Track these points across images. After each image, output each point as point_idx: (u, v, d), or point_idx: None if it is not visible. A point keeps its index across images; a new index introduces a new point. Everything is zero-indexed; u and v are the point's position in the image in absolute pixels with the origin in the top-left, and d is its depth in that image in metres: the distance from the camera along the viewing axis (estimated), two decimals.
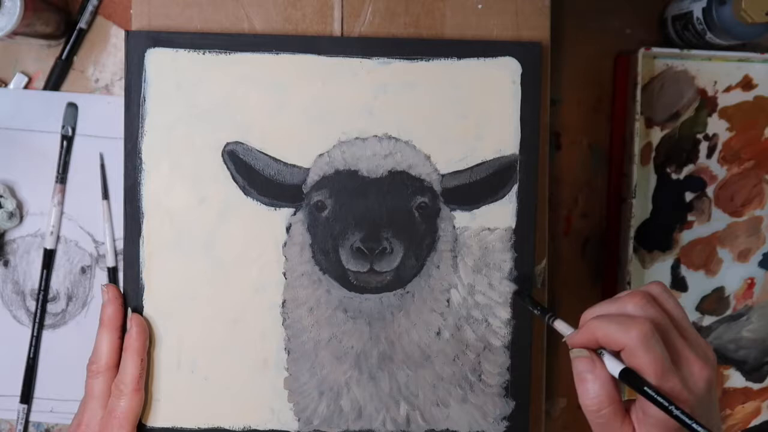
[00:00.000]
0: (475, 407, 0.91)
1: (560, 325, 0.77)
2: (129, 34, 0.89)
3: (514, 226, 0.90)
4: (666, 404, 0.65)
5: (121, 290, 0.91)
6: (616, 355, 0.69)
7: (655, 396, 0.65)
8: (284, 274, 0.90)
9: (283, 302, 0.90)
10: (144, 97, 0.89)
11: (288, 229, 0.90)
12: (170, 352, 0.90)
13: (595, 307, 0.73)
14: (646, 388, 0.66)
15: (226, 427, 0.91)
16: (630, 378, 0.67)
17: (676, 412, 0.64)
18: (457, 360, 0.91)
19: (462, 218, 0.90)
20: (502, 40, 0.92)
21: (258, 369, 0.91)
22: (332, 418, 0.91)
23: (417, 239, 0.89)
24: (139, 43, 0.89)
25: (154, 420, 0.91)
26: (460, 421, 0.91)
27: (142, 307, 0.90)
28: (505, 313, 0.91)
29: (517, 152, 0.90)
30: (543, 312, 0.82)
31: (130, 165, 0.89)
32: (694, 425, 0.64)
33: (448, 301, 0.90)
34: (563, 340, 0.74)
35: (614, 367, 0.69)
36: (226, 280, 0.90)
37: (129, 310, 0.89)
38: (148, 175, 0.89)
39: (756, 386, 1.06)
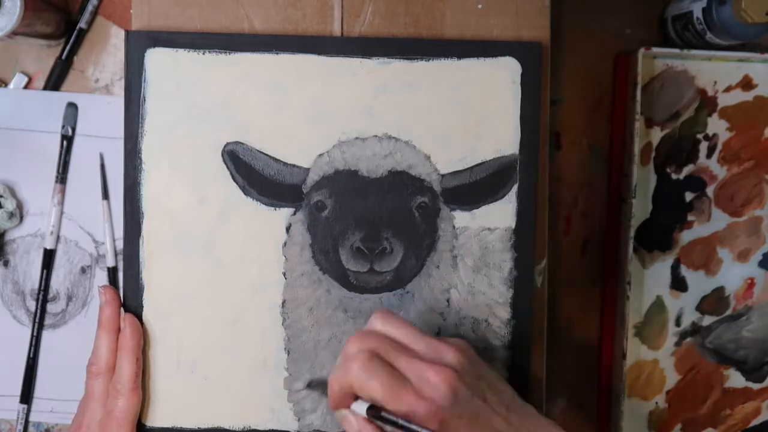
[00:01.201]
0: None
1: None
2: (129, 34, 0.89)
3: (514, 226, 0.90)
4: (399, 422, 0.67)
5: (121, 290, 0.91)
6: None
7: (390, 418, 0.67)
8: (284, 274, 0.90)
9: (283, 302, 0.90)
10: (144, 97, 0.89)
11: (288, 229, 0.90)
12: (170, 352, 0.90)
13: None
14: (383, 414, 0.68)
15: (226, 427, 0.91)
16: (373, 412, 0.69)
17: (401, 422, 0.66)
18: None
19: (462, 218, 0.90)
20: (502, 40, 0.92)
21: (258, 369, 0.91)
22: (332, 419, 0.91)
23: (417, 239, 0.89)
24: (139, 43, 0.89)
25: (154, 420, 0.91)
26: None
27: (142, 307, 0.90)
28: (506, 313, 0.91)
29: (517, 152, 0.90)
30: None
31: (130, 165, 0.89)
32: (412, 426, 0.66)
33: (448, 301, 0.90)
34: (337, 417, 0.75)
35: (362, 409, 0.70)
36: (226, 280, 0.90)
37: (122, 310, 0.89)
38: (148, 175, 0.89)
39: (756, 386, 1.06)
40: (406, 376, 0.69)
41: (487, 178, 0.90)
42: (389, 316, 0.74)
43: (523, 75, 0.90)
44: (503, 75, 0.90)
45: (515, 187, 0.90)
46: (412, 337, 0.73)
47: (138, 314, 0.90)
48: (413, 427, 0.66)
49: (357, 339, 0.72)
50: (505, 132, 0.90)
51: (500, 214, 0.90)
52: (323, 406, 0.91)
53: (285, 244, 0.90)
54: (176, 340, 0.90)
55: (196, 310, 0.90)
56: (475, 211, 0.90)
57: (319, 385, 0.86)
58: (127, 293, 0.90)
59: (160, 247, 0.90)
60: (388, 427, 0.69)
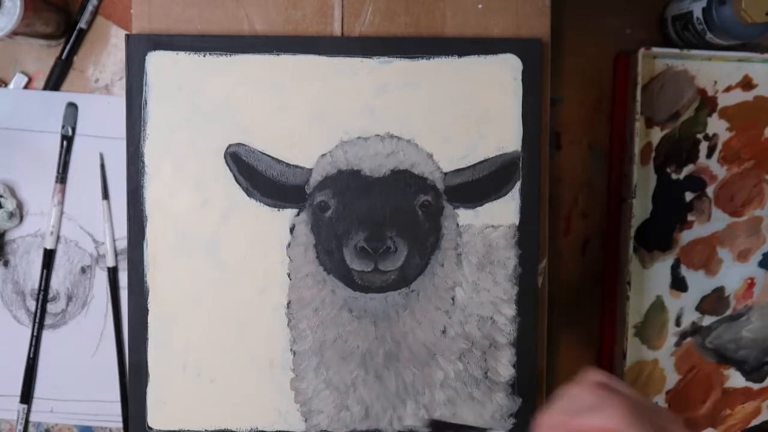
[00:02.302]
0: (482, 405, 0.91)
1: None
2: (129, 38, 0.89)
3: (517, 222, 0.91)
4: None
5: (125, 293, 0.91)
6: None
7: None
8: (288, 275, 0.90)
9: (288, 303, 0.90)
10: (145, 100, 0.89)
11: (291, 229, 0.90)
12: (176, 355, 0.91)
13: (551, 410, 0.70)
14: None
15: (233, 429, 0.91)
16: None
17: None
18: (462, 358, 0.91)
19: (465, 216, 0.90)
20: (503, 38, 0.92)
21: (264, 370, 0.91)
22: (339, 418, 0.91)
23: (421, 238, 0.89)
24: (139, 47, 0.89)
25: (161, 423, 0.91)
26: (467, 418, 0.91)
27: (147, 310, 0.90)
28: (511, 311, 0.91)
29: (519, 149, 0.90)
30: None
31: (132, 168, 0.89)
32: None
33: (453, 299, 0.90)
34: None
35: None
36: (231, 282, 0.90)
37: None
38: (151, 179, 0.89)
39: (756, 386, 1.06)
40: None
41: (489, 176, 0.90)
42: (614, 378, 0.72)
43: (524, 72, 0.90)
44: (504, 72, 0.90)
45: (518, 184, 0.90)
46: (646, 400, 0.70)
47: (143, 317, 0.90)
48: None
49: (592, 388, 0.69)
50: (507, 129, 0.90)
51: (504, 211, 0.90)
52: (329, 406, 0.91)
53: (289, 244, 0.90)
54: (182, 342, 0.90)
55: (201, 313, 0.90)
56: (478, 208, 0.90)
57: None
58: (132, 296, 0.90)
59: (164, 250, 0.90)
60: None
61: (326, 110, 0.90)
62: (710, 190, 1.01)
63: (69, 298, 0.99)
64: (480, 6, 0.92)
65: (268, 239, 0.90)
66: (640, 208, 1.00)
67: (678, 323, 1.03)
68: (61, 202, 0.97)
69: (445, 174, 0.90)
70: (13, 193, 0.97)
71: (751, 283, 1.04)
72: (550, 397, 0.92)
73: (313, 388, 0.91)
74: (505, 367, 0.91)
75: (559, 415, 0.68)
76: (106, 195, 0.98)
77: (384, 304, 0.90)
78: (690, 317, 1.03)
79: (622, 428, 0.63)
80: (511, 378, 0.91)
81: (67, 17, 0.97)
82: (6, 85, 0.98)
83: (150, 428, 0.90)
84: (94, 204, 0.98)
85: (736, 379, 1.06)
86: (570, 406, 0.68)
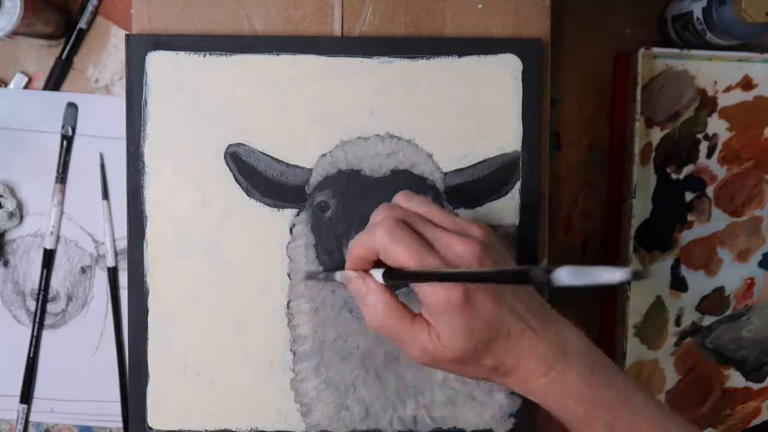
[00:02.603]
0: (482, 405, 0.91)
1: (339, 275, 0.76)
2: (129, 38, 0.89)
3: (517, 222, 0.90)
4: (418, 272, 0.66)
5: (125, 293, 0.91)
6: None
7: (408, 271, 0.67)
8: (288, 274, 0.90)
9: (288, 303, 0.90)
10: (145, 101, 0.89)
11: (291, 229, 0.90)
12: (176, 355, 0.90)
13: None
14: (398, 272, 0.68)
15: (233, 429, 0.91)
16: (393, 275, 0.68)
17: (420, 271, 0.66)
18: None
19: (465, 216, 0.90)
20: (503, 38, 0.92)
21: (264, 370, 0.91)
22: (339, 418, 0.91)
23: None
24: (139, 47, 0.89)
25: (161, 423, 0.91)
26: (467, 418, 0.91)
27: (147, 310, 0.90)
28: None
29: (520, 149, 0.90)
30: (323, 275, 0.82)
31: (132, 168, 0.89)
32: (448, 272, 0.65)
33: None
34: (339, 279, 0.75)
35: (379, 276, 0.69)
36: (231, 282, 0.90)
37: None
38: (151, 179, 0.89)
39: (756, 386, 1.06)
40: (432, 244, 0.68)
41: (489, 176, 0.90)
42: (413, 195, 0.74)
43: (524, 72, 0.90)
44: (504, 72, 0.90)
45: (518, 184, 0.90)
46: (437, 213, 0.72)
47: (143, 317, 0.90)
48: (426, 272, 0.66)
49: (382, 209, 0.72)
50: (507, 129, 0.90)
51: (504, 212, 0.90)
52: (330, 406, 0.91)
53: (289, 244, 0.90)
54: (182, 342, 0.90)
55: (201, 313, 0.90)
56: (478, 208, 0.90)
57: (320, 275, 0.85)
58: (132, 296, 0.90)
59: (164, 250, 0.90)
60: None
61: (326, 110, 0.90)
62: (710, 190, 1.01)
63: (69, 298, 0.99)
64: (480, 6, 0.92)
65: (268, 239, 0.90)
66: (640, 208, 1.00)
67: (678, 323, 1.03)
68: (61, 202, 0.97)
69: (445, 174, 0.90)
70: (13, 193, 0.97)
71: (751, 283, 1.04)
72: None
73: (313, 388, 0.91)
74: None
75: (351, 242, 0.73)
76: (106, 195, 0.98)
77: None
78: (690, 317, 1.03)
79: (386, 242, 0.68)
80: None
81: (67, 17, 0.97)
82: (6, 85, 0.98)
83: (150, 428, 0.90)
84: (94, 204, 0.98)
85: (736, 379, 1.06)
86: (360, 233, 0.72)
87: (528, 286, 0.74)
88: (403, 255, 0.67)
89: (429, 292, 0.67)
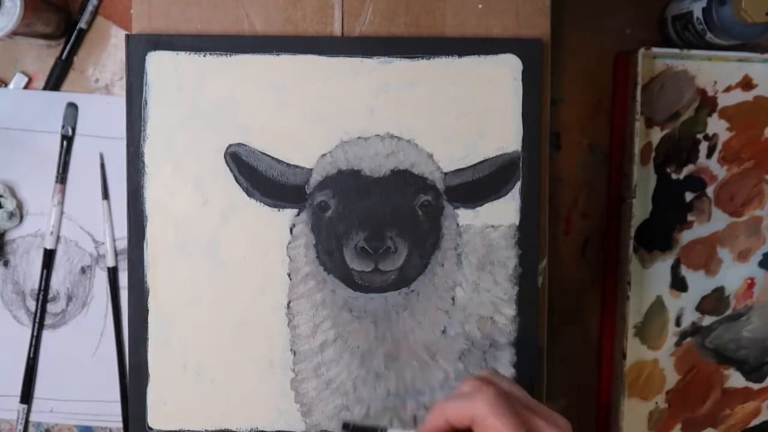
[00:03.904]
0: None
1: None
2: (129, 38, 0.89)
3: (517, 222, 0.91)
4: None
5: (125, 293, 0.91)
6: None
7: None
8: (289, 274, 0.90)
9: (288, 303, 0.90)
10: (145, 101, 0.89)
11: (292, 229, 0.90)
12: (176, 355, 0.91)
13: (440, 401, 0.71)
14: None
15: (233, 429, 0.91)
16: None
17: None
18: (463, 358, 0.91)
19: (465, 216, 0.90)
20: (503, 38, 0.92)
21: (264, 370, 0.91)
22: (339, 419, 0.91)
23: (421, 238, 0.89)
24: (139, 47, 0.89)
25: (161, 423, 0.91)
26: None
27: (147, 310, 0.90)
28: (511, 311, 0.91)
29: (520, 149, 0.90)
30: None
31: (132, 169, 0.89)
32: None
33: (453, 299, 0.90)
34: None
35: None
36: (231, 282, 0.90)
37: None
38: (151, 179, 0.89)
39: (756, 386, 1.06)
40: (526, 427, 0.66)
41: (490, 176, 0.90)
42: (501, 375, 0.72)
43: (524, 72, 0.90)
44: (504, 72, 0.90)
45: (518, 184, 0.90)
46: (526, 395, 0.71)
47: (143, 317, 0.90)
48: None
49: (476, 381, 0.69)
50: (507, 129, 0.90)
51: (504, 211, 0.90)
52: (330, 406, 0.91)
53: (289, 244, 0.90)
54: (182, 342, 0.90)
55: (202, 313, 0.90)
56: (478, 208, 0.90)
57: (356, 429, 0.84)
58: (132, 296, 0.90)
59: (165, 250, 0.90)
60: None
61: (326, 110, 0.90)
62: (710, 190, 1.01)
63: (69, 298, 0.99)
64: (480, 6, 0.92)
65: (268, 239, 0.90)
66: (640, 208, 1.00)
67: (678, 323, 1.03)
68: (61, 202, 0.97)
69: (445, 174, 0.90)
70: (13, 193, 0.97)
71: (751, 283, 1.04)
72: (550, 398, 0.92)
73: (313, 388, 0.91)
74: (505, 367, 0.91)
75: (438, 405, 0.69)
76: (106, 195, 0.98)
77: (384, 304, 0.90)
78: (690, 317, 1.03)
79: (486, 413, 0.65)
80: (511, 378, 0.91)
81: (67, 17, 0.97)
82: (6, 85, 0.98)
83: (150, 428, 0.90)
84: (94, 204, 0.98)
85: (736, 379, 1.06)
86: (449, 397, 0.69)
87: None
88: (503, 429, 0.64)
89: None
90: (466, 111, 0.90)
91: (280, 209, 0.90)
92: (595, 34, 1.01)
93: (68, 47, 0.97)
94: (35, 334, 0.98)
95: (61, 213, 0.98)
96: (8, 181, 0.97)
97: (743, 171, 1.01)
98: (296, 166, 0.89)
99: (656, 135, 1.00)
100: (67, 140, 0.97)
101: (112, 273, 0.98)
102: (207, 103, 0.89)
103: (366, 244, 0.88)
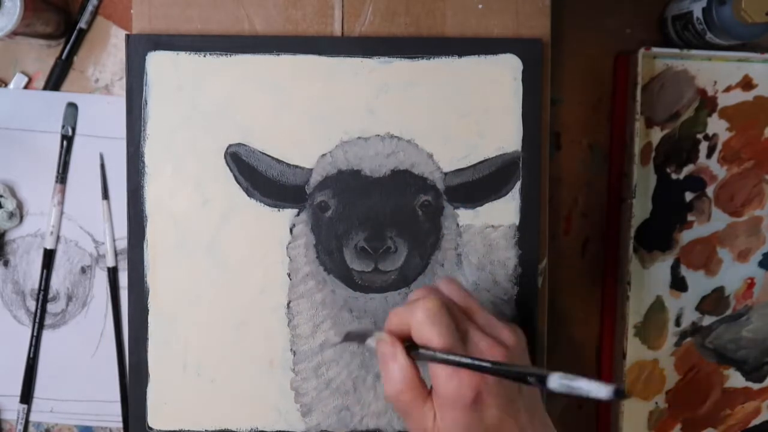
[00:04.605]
0: None
1: (371, 340, 0.75)
2: (129, 38, 0.89)
3: (517, 222, 0.91)
4: (438, 356, 0.67)
5: (125, 292, 0.91)
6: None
7: (430, 354, 0.67)
8: (289, 274, 0.90)
9: (288, 303, 0.90)
10: (145, 100, 0.89)
11: (292, 229, 0.90)
12: (176, 355, 0.91)
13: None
14: (422, 351, 0.68)
15: (233, 429, 0.91)
16: (418, 351, 0.69)
17: (440, 356, 0.66)
18: None
19: (465, 216, 0.90)
20: (503, 38, 0.92)
21: (264, 370, 0.91)
22: (339, 419, 0.91)
23: (421, 238, 0.89)
24: (139, 47, 0.89)
25: (161, 423, 0.91)
26: None
27: (147, 310, 0.90)
28: (510, 311, 0.91)
29: (520, 149, 0.90)
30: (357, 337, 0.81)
31: (132, 168, 0.89)
32: (469, 361, 0.66)
33: None
34: (370, 342, 0.74)
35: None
36: (231, 282, 0.90)
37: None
38: (151, 179, 0.89)
39: (756, 386, 1.06)
40: (463, 337, 0.69)
41: (490, 176, 0.90)
42: (454, 283, 0.75)
43: (524, 72, 0.90)
44: (504, 72, 0.90)
45: (518, 184, 0.90)
46: (476, 308, 0.73)
47: (143, 317, 0.90)
48: (450, 357, 0.66)
49: (424, 289, 0.73)
50: (507, 129, 0.90)
51: (504, 212, 0.90)
52: (329, 406, 0.91)
53: (289, 244, 0.90)
54: (182, 342, 0.90)
55: (202, 313, 0.90)
56: (478, 208, 0.90)
57: (356, 336, 0.85)
58: (132, 296, 0.90)
59: (165, 250, 0.90)
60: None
61: (326, 110, 0.90)
62: (710, 190, 1.01)
63: (69, 298, 0.99)
64: (480, 6, 0.92)
65: (268, 239, 0.90)
66: (640, 208, 1.00)
67: (678, 323, 1.03)
68: (61, 202, 0.97)
69: (446, 174, 0.90)
70: (13, 193, 0.97)
71: (751, 283, 1.04)
72: (550, 398, 0.92)
73: (313, 388, 0.91)
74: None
75: (391, 311, 0.72)
76: (106, 195, 0.98)
77: (384, 305, 0.90)
78: (690, 317, 1.03)
79: (422, 322, 0.68)
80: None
81: (67, 17, 0.97)
82: (6, 85, 0.98)
83: (150, 428, 0.91)
84: (94, 204, 0.98)
85: (736, 379, 1.06)
86: (403, 304, 0.72)
87: (541, 402, 0.75)
88: (434, 337, 0.67)
89: (443, 382, 0.67)
90: (466, 111, 0.90)
91: (280, 209, 0.90)
92: (595, 34, 1.01)
93: (68, 47, 0.97)
94: (35, 334, 0.98)
95: (61, 213, 0.98)
96: (8, 181, 0.97)
97: (743, 171, 1.01)
98: (296, 166, 0.89)
99: (656, 135, 1.00)
100: (67, 140, 0.97)
101: (112, 273, 0.98)
102: (207, 103, 0.89)
103: (366, 244, 0.88)
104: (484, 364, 0.65)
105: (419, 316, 0.68)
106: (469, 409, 0.66)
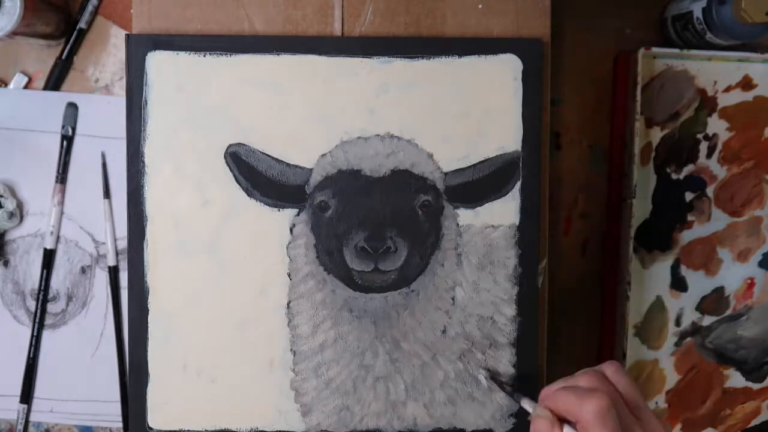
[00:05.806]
0: (482, 404, 0.91)
1: (526, 403, 0.77)
2: (129, 38, 0.89)
3: (518, 222, 0.90)
4: None
5: (125, 292, 0.91)
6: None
7: None
8: (289, 274, 0.90)
9: (288, 303, 0.90)
10: (145, 100, 0.89)
11: (292, 229, 0.90)
12: (176, 355, 0.91)
13: (554, 384, 0.74)
14: None
15: (233, 429, 0.91)
16: None
17: None
18: (463, 358, 0.91)
19: (465, 216, 0.90)
20: (503, 38, 0.92)
21: (264, 370, 0.91)
22: (339, 418, 0.91)
23: (421, 238, 0.89)
24: (139, 47, 0.89)
25: (161, 423, 0.91)
26: (467, 418, 0.91)
27: (148, 310, 0.90)
28: (511, 310, 0.91)
29: (520, 149, 0.90)
30: (512, 391, 0.81)
31: (133, 168, 0.89)
32: None
33: (453, 299, 0.90)
34: (529, 418, 0.74)
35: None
36: (231, 282, 0.90)
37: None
38: (151, 179, 0.89)
39: (756, 386, 1.06)
40: None
41: (490, 176, 0.90)
42: (621, 372, 0.73)
43: (524, 72, 0.90)
44: (504, 72, 0.90)
45: (518, 184, 0.90)
46: (641, 404, 0.72)
47: (143, 317, 0.90)
48: None
49: (595, 377, 0.71)
50: (508, 129, 0.90)
51: (504, 211, 0.90)
52: (329, 406, 0.91)
53: (289, 244, 0.90)
54: (182, 342, 0.90)
55: (202, 313, 0.90)
56: (478, 208, 0.90)
57: (508, 388, 0.84)
58: (132, 296, 0.90)
59: (165, 250, 0.90)
60: None
61: (326, 110, 0.90)
62: (710, 190, 1.01)
63: (69, 298, 0.99)
64: (480, 6, 0.92)
65: (268, 239, 0.90)
66: (640, 208, 1.00)
67: (678, 323, 1.03)
68: (61, 202, 0.97)
69: (446, 174, 0.90)
70: (13, 193, 0.97)
71: (751, 283, 1.04)
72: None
73: (313, 388, 0.91)
74: (505, 367, 0.91)
75: (554, 392, 0.72)
76: (107, 194, 0.98)
77: (384, 304, 0.90)
78: (690, 317, 1.03)
79: (591, 422, 0.66)
80: (511, 378, 0.91)
81: (67, 17, 0.98)
82: (6, 85, 0.98)
83: (150, 428, 0.90)
84: (93, 204, 0.98)
85: (736, 379, 1.06)
86: (566, 387, 0.71)
87: None
88: None
89: None
90: (466, 111, 0.90)
91: (280, 209, 0.90)
92: (595, 34, 1.01)
93: (68, 47, 0.97)
94: (35, 334, 0.98)
95: (61, 213, 0.98)
96: (8, 181, 0.97)
97: (743, 171, 1.01)
98: (296, 166, 0.89)
99: (656, 135, 1.00)
100: (67, 140, 0.97)
101: (113, 272, 0.98)
102: (207, 103, 0.89)
103: (366, 244, 0.88)
104: None
105: (589, 416, 0.67)
106: None
